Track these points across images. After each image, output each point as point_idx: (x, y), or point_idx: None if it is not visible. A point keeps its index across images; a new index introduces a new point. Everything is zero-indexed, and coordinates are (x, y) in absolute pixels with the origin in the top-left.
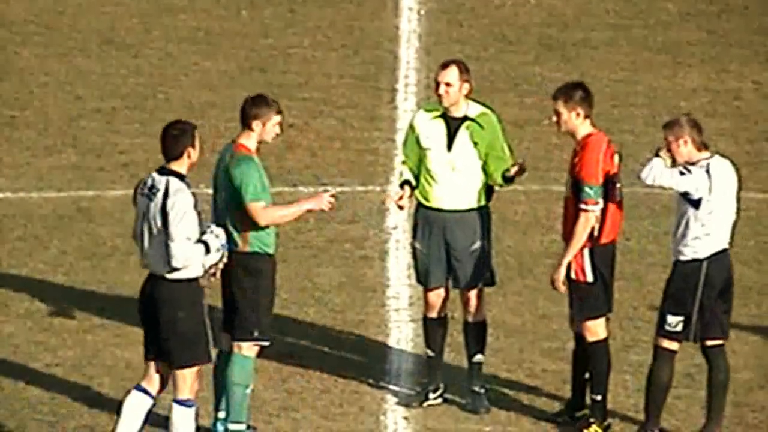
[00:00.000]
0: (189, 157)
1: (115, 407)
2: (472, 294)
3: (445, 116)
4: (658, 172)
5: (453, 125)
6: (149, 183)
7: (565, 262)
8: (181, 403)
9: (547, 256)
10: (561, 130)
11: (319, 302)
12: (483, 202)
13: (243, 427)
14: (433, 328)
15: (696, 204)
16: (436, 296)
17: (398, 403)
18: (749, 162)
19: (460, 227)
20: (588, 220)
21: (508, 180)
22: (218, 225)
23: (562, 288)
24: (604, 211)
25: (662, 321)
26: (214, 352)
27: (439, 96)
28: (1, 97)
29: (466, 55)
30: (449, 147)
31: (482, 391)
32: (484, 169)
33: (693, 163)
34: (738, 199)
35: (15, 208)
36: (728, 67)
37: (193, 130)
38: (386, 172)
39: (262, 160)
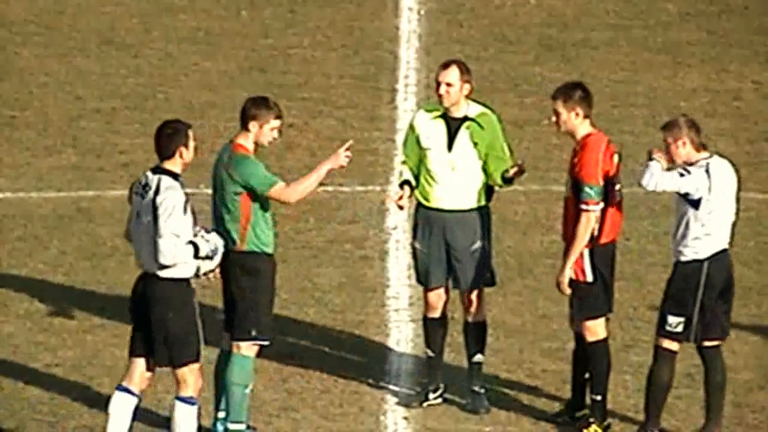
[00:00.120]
0: (181, 156)
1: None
2: (473, 294)
3: (445, 116)
4: (659, 177)
5: (453, 125)
6: (143, 181)
7: (569, 265)
8: (183, 400)
9: (547, 256)
10: (560, 130)
11: (319, 302)
12: (483, 203)
13: (243, 427)
14: (433, 329)
15: (696, 204)
16: (436, 296)
17: (398, 404)
18: (749, 162)
19: (461, 227)
20: (589, 221)
21: (507, 181)
22: (216, 227)
23: (568, 291)
24: (603, 211)
25: (663, 321)
26: (214, 352)
27: (440, 96)
28: (1, 97)
29: (466, 55)
30: (449, 147)
31: (482, 391)
32: (484, 170)
33: (692, 164)
34: (738, 200)
35: (15, 208)
36: (728, 67)
37: (186, 130)
38: (386, 172)
39: (261, 160)
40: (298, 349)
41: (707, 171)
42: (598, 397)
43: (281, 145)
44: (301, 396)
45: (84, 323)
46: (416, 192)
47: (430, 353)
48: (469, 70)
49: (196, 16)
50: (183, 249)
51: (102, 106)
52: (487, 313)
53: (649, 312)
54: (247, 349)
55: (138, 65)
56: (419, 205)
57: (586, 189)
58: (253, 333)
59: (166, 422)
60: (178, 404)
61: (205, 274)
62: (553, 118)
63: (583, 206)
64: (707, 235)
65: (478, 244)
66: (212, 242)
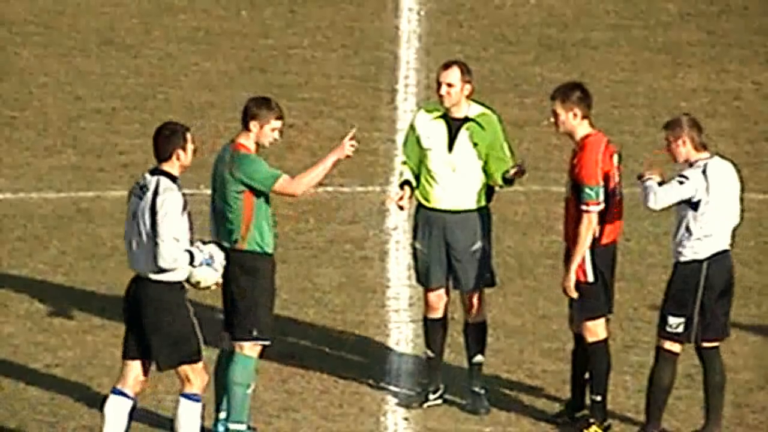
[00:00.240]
0: (178, 159)
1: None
2: (473, 295)
3: (445, 117)
4: (662, 194)
5: (454, 126)
6: (141, 183)
7: (573, 267)
8: (188, 397)
9: (547, 256)
10: (559, 131)
11: (319, 303)
12: (483, 203)
13: (243, 427)
14: (433, 329)
15: (695, 205)
16: (437, 297)
17: (398, 404)
18: (749, 162)
19: (461, 228)
20: (590, 222)
21: (507, 181)
22: (216, 228)
23: (575, 294)
24: (604, 211)
25: (663, 323)
26: (214, 352)
27: (441, 96)
28: (1, 97)
29: (466, 56)
30: (450, 148)
31: (482, 391)
32: (485, 170)
33: (691, 164)
34: (741, 200)
35: (15, 208)
36: (728, 67)
37: (183, 132)
38: (386, 172)
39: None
40: (298, 349)
41: (704, 172)
42: (598, 398)
43: (281, 145)
44: (301, 396)
45: (84, 323)
46: (417, 192)
47: (430, 354)
48: (470, 70)
49: (196, 16)
50: (180, 255)
51: (102, 106)
52: (487, 313)
53: (650, 312)
54: (250, 349)
55: (138, 65)
56: (419, 205)
57: (587, 190)
58: (254, 333)
59: (167, 422)
60: (182, 401)
61: (208, 287)
62: (552, 119)
63: (584, 207)
64: (706, 236)
65: (478, 245)
66: (206, 252)
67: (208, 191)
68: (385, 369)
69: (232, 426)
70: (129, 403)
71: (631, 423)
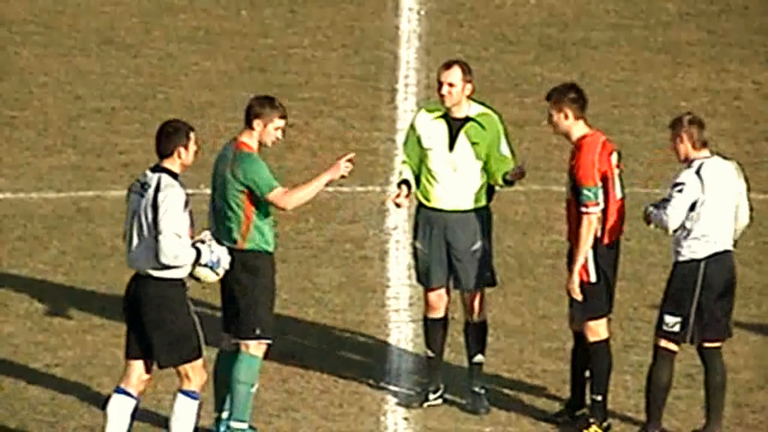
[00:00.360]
0: (179, 156)
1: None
2: (473, 294)
3: (446, 116)
4: (672, 212)
5: (455, 125)
6: (141, 180)
7: (576, 269)
8: (186, 393)
9: (547, 256)
10: (555, 132)
11: (319, 302)
12: (484, 202)
13: (245, 426)
14: (433, 329)
15: (692, 205)
16: (437, 297)
17: (398, 404)
18: (749, 162)
19: (461, 227)
20: (591, 223)
21: (508, 182)
22: (216, 227)
23: (580, 296)
24: (604, 211)
25: (660, 321)
26: (215, 352)
27: (442, 96)
28: (1, 97)
29: (466, 55)
30: (451, 147)
31: (482, 391)
32: (486, 170)
33: (689, 163)
34: (749, 200)
35: (15, 208)
36: (728, 67)
37: (187, 131)
38: (386, 172)
39: (262, 160)
40: (298, 349)
41: (698, 171)
42: (599, 398)
43: (281, 145)
44: (301, 396)
45: (84, 323)
46: (417, 192)
47: (430, 353)
48: (470, 70)
49: (196, 16)
50: (185, 250)
51: (102, 106)
52: (487, 313)
53: (650, 312)
54: (255, 348)
55: (138, 65)
56: (420, 205)
57: (585, 191)
58: (257, 331)
59: (167, 422)
60: (180, 397)
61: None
62: (548, 121)
63: (583, 209)
64: (704, 236)
65: (478, 244)
66: (216, 254)
67: (209, 191)
68: (385, 369)
69: (234, 424)
70: (132, 403)
71: (631, 423)
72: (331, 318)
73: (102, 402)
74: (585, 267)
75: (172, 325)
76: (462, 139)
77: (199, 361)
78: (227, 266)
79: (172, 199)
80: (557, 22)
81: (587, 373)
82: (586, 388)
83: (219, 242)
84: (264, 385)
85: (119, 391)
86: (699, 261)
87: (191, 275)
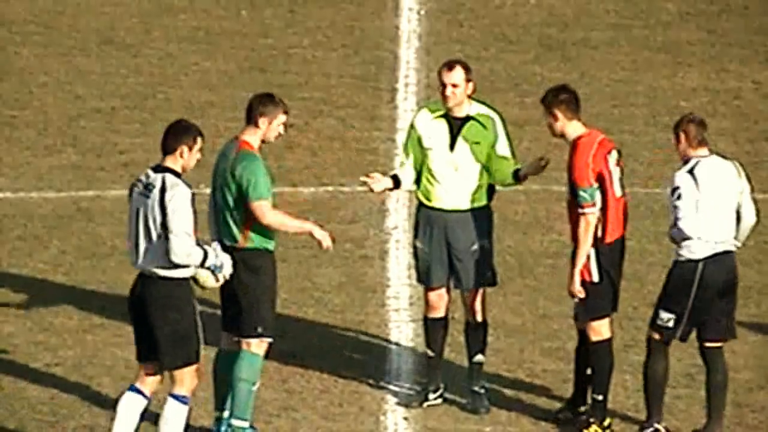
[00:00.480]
0: (182, 155)
1: (114, 407)
2: (474, 294)
3: (447, 116)
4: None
5: (455, 125)
6: (144, 181)
7: (577, 271)
8: (177, 398)
9: (547, 256)
10: (553, 135)
11: (319, 302)
12: (485, 202)
13: (246, 424)
14: (433, 329)
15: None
16: (437, 296)
17: (398, 404)
18: (749, 162)
19: (462, 227)
20: (588, 223)
21: (518, 179)
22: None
23: (582, 294)
24: (605, 210)
25: (656, 315)
26: (214, 351)
27: (446, 98)
28: (1, 97)
29: (466, 55)
30: (452, 147)
31: (482, 391)
32: (487, 169)
33: (687, 161)
34: (755, 201)
35: (15, 208)
36: (728, 67)
37: (196, 134)
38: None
39: (262, 159)
40: (298, 349)
41: (691, 170)
42: (600, 397)
43: (281, 145)
44: (301, 396)
45: (84, 323)
46: (418, 191)
47: (431, 353)
48: (470, 68)
49: (196, 16)
50: (195, 249)
51: (102, 105)
52: (487, 312)
53: (650, 312)
54: (257, 346)
55: (138, 65)
56: (421, 204)
57: (580, 193)
58: (259, 330)
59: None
60: (171, 401)
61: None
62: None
63: (580, 210)
64: (702, 235)
65: (479, 244)
66: (220, 258)
67: (209, 190)
68: (385, 369)
69: (235, 422)
70: (144, 402)
71: (631, 422)
72: (331, 318)
73: (102, 402)
74: (587, 267)
75: (177, 325)
76: (463, 138)
77: (195, 366)
78: (228, 274)
79: (179, 198)
80: (557, 22)
81: (589, 373)
82: (588, 387)
83: (224, 249)
84: (264, 384)
85: (133, 389)
86: (697, 262)
87: (192, 277)
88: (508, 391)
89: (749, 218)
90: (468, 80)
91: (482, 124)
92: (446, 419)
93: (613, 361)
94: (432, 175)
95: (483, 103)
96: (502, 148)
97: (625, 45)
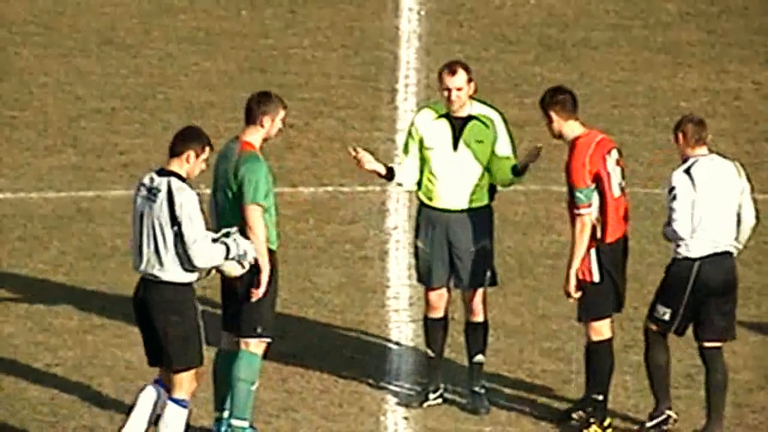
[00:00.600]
0: (188, 161)
1: (115, 407)
2: (474, 294)
3: (448, 116)
4: (676, 225)
5: (457, 125)
6: (148, 184)
7: (573, 272)
8: (176, 401)
9: (547, 256)
10: (553, 137)
11: (319, 303)
12: (486, 202)
13: (246, 424)
14: (434, 329)
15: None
16: (438, 296)
17: (398, 404)
18: (749, 162)
19: (463, 227)
20: (584, 224)
21: (518, 173)
22: (216, 225)
23: (577, 295)
24: (604, 210)
25: (653, 308)
26: (214, 351)
27: (450, 102)
28: (1, 97)
29: (466, 55)
30: (455, 146)
31: (482, 391)
32: (488, 169)
33: (685, 160)
34: (755, 202)
35: (15, 208)
36: (728, 67)
37: (205, 144)
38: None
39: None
40: (298, 349)
41: (688, 170)
42: (600, 397)
43: (281, 146)
44: (301, 396)
45: (84, 323)
46: (419, 191)
47: (431, 353)
48: (470, 68)
49: (196, 16)
50: (215, 250)
51: (102, 106)
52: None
53: None
54: (256, 346)
55: (138, 65)
56: (422, 204)
57: (577, 193)
58: (258, 330)
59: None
60: (170, 405)
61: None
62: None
63: (576, 211)
64: (699, 235)
65: (480, 244)
66: (242, 246)
67: (209, 190)
68: (385, 369)
69: (235, 422)
70: (165, 396)
71: (631, 422)
72: (331, 318)
73: (102, 402)
74: (588, 267)
75: (180, 328)
76: (465, 138)
77: (194, 370)
78: (252, 259)
79: (188, 203)
80: (557, 22)
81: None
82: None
83: (243, 235)
84: (264, 385)
85: (157, 382)
86: (693, 260)
87: (217, 269)
88: (508, 391)
89: (749, 219)
90: (469, 81)
91: (484, 123)
92: (446, 419)
93: (614, 361)
94: (433, 175)
95: (484, 102)
96: (503, 147)
97: (625, 45)
